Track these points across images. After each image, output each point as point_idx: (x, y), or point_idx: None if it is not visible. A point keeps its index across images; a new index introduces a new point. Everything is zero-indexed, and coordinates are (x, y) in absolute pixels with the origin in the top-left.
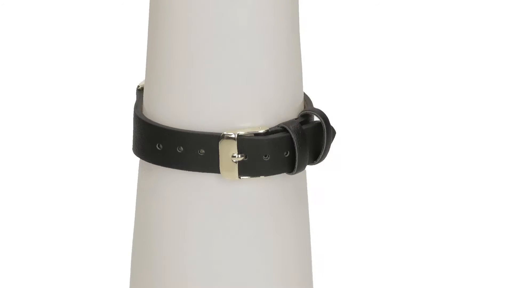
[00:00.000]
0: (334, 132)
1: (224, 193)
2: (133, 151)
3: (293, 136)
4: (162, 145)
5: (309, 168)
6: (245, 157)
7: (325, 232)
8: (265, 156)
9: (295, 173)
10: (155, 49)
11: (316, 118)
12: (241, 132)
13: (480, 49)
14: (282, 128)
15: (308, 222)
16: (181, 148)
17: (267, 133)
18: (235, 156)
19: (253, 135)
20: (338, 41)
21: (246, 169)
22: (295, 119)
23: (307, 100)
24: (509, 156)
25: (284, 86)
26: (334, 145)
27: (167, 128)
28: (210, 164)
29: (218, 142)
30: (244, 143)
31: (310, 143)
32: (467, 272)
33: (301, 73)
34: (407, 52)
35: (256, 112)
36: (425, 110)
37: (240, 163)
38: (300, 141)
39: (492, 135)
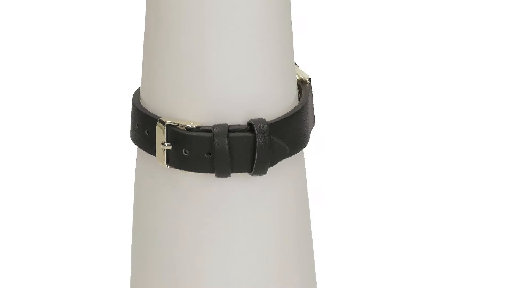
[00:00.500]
0: (283, 148)
1: (222, 192)
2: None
3: (214, 139)
4: (149, 132)
5: (309, 167)
6: (172, 148)
7: (326, 232)
8: (185, 151)
9: (220, 176)
10: (151, 41)
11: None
12: (173, 122)
13: (480, 49)
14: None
15: (309, 221)
16: (147, 133)
17: (196, 129)
18: (163, 144)
19: (184, 128)
20: (338, 41)
21: (172, 159)
22: (239, 125)
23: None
24: (509, 156)
25: (260, 85)
26: (333, 143)
27: (143, 112)
28: (150, 146)
29: (155, 126)
30: (171, 133)
31: (240, 151)
32: (467, 272)
33: (285, 71)
34: (407, 52)
35: (213, 108)
36: (425, 110)
37: (168, 152)
38: (220, 145)
39: (492, 135)
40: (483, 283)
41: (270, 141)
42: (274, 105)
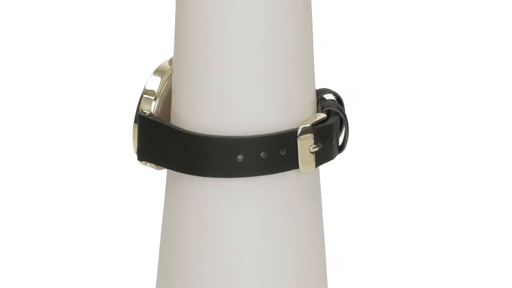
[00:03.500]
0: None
1: (244, 196)
2: (206, 173)
3: (343, 119)
4: (243, 155)
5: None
6: (320, 146)
7: (337, 230)
8: (332, 140)
9: (340, 153)
10: (185, 64)
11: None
12: (309, 124)
13: (480, 48)
14: (326, 113)
15: (322, 220)
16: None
17: (326, 119)
18: (312, 147)
19: (320, 123)
20: (338, 41)
21: (321, 157)
22: (329, 107)
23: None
24: (509, 156)
25: (309, 82)
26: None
27: (243, 137)
28: (287, 164)
29: (296, 138)
30: (318, 132)
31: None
32: (471, 271)
33: (314, 70)
34: (407, 52)
35: (305, 105)
36: (425, 110)
37: (316, 154)
38: (346, 124)
39: (493, 135)
40: (483, 283)
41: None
42: (307, 112)
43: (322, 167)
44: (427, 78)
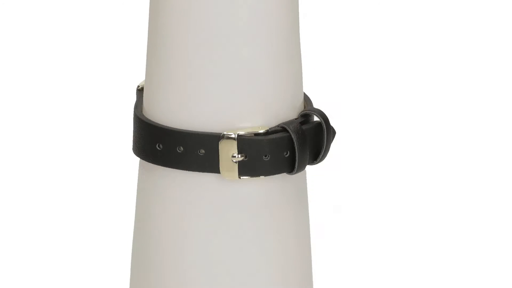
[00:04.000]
0: (334, 132)
1: (224, 193)
2: (133, 151)
3: (293, 136)
4: (162, 145)
5: (309, 168)
6: (245, 157)
7: (325, 232)
8: (265, 156)
9: (295, 173)
10: (155, 49)
11: (316, 118)
12: (241, 132)
13: (480, 48)
14: (282, 128)
15: (308, 222)
16: (181, 148)
17: (267, 133)
18: (235, 156)
19: (253, 135)
20: (337, 41)
21: (246, 169)
22: (295, 119)
23: (307, 100)
24: (509, 156)
25: (283, 86)
26: (334, 145)
27: (167, 128)
28: (210, 164)
29: (218, 142)
30: (244, 143)
31: (310, 143)
32: (467, 272)
33: (301, 73)
34: (407, 52)
35: (256, 112)
36: (425, 110)
37: (240, 163)
38: (300, 141)
39: (492, 135)
40: (483, 283)
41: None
42: (291, 109)
43: (311, 169)
44: (423, 79)
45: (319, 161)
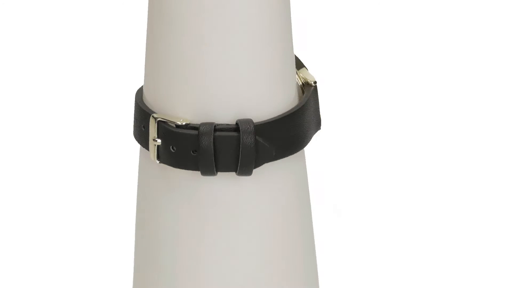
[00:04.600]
0: (249, 146)
1: (213, 190)
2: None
3: (200, 137)
4: (144, 127)
5: (310, 166)
6: (161, 144)
7: (328, 231)
8: (172, 148)
9: (204, 174)
10: (149, 40)
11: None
12: (165, 118)
13: (479, 48)
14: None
15: (311, 221)
16: (143, 128)
17: (185, 126)
18: (155, 140)
19: (174, 124)
20: (338, 40)
21: (162, 155)
22: (227, 124)
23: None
24: (509, 156)
25: (259, 86)
26: (334, 142)
27: (140, 108)
28: (145, 141)
29: (149, 119)
30: (161, 129)
31: (224, 150)
32: (467, 272)
33: (279, 73)
34: (406, 51)
35: (221, 105)
36: (424, 110)
37: (158, 148)
38: (205, 143)
39: (492, 135)
40: (483, 283)
41: (255, 142)
42: (266, 106)
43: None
44: (421, 78)
45: (240, 173)
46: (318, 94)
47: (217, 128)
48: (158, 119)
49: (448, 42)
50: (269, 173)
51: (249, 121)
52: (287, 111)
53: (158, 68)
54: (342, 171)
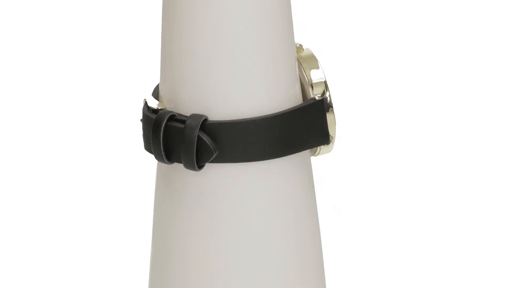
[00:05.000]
0: (191, 140)
1: (210, 184)
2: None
3: (154, 123)
4: None
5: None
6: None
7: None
8: (150, 138)
9: (159, 161)
10: (165, 45)
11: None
12: (148, 102)
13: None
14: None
15: (318, 220)
16: None
17: (153, 110)
18: (141, 121)
19: (151, 108)
20: (338, 40)
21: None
22: (186, 116)
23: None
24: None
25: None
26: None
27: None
28: None
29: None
30: (143, 110)
31: (173, 141)
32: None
33: (283, 68)
34: (406, 51)
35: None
36: (425, 110)
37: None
38: (155, 128)
39: (493, 135)
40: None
41: (196, 138)
42: (260, 106)
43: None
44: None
45: (185, 165)
46: (328, 108)
47: (174, 118)
48: (144, 102)
49: (447, 42)
50: (274, 171)
51: (199, 117)
52: (257, 117)
53: (164, 63)
54: (342, 170)
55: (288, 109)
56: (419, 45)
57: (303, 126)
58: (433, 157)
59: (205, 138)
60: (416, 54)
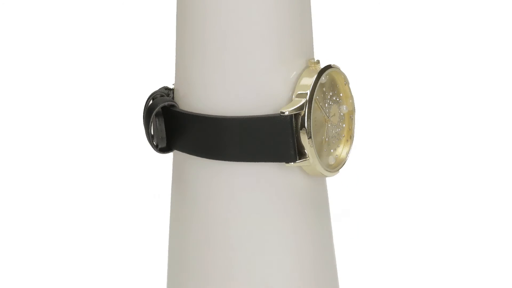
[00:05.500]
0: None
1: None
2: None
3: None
4: None
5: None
6: None
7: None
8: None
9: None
10: (185, 52)
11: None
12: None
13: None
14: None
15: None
16: None
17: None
18: None
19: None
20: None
21: None
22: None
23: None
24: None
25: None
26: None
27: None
28: None
29: None
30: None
31: (154, 124)
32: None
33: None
34: (406, 51)
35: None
36: (426, 110)
37: None
38: (145, 112)
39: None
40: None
41: (148, 123)
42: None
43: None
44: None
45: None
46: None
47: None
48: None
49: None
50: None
51: (163, 100)
52: (220, 115)
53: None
54: (349, 173)
55: (249, 115)
56: (419, 45)
57: (262, 136)
58: (434, 158)
59: (157, 122)
60: (416, 54)
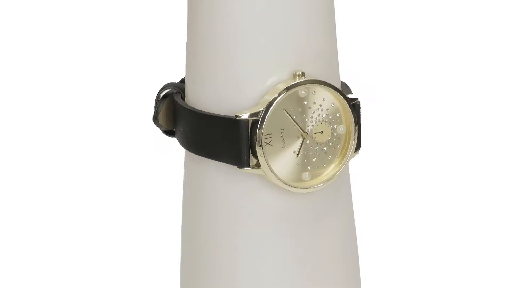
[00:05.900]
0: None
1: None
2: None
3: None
4: None
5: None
6: None
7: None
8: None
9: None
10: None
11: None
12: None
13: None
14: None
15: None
16: None
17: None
18: None
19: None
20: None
21: None
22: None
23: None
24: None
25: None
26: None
27: None
28: None
29: None
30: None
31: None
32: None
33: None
34: (406, 51)
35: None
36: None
37: None
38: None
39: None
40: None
41: (155, 105)
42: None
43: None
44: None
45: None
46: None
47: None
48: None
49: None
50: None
51: (173, 85)
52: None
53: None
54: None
55: (204, 111)
56: (419, 46)
57: (215, 135)
58: (434, 157)
59: (158, 107)
60: (416, 54)
